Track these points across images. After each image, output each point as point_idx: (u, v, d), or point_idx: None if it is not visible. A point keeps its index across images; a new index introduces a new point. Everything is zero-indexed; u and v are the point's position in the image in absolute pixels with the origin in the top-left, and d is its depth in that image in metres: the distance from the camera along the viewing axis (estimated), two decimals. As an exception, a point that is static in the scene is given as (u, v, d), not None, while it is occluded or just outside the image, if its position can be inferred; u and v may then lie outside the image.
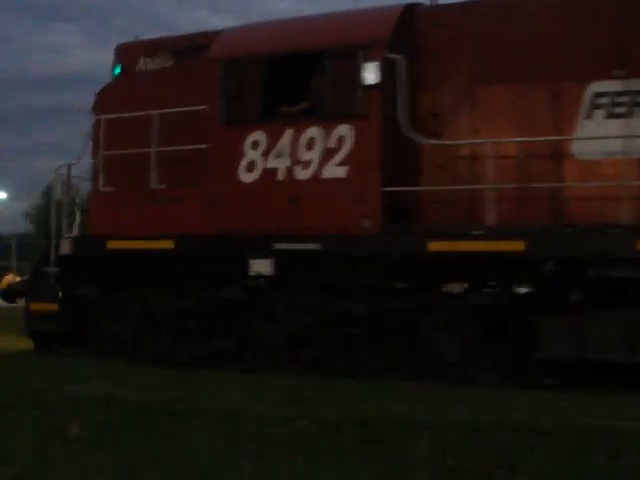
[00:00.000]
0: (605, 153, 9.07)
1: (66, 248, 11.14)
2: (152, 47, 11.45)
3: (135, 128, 10.94)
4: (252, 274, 10.17)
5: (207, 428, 5.93)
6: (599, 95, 9.34)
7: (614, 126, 9.21)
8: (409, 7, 10.20)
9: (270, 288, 10.26)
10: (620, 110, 9.26)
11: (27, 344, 11.79)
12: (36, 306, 11.43)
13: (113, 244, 10.88)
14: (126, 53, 11.59)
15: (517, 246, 9.02)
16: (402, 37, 9.91)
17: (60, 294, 11.25)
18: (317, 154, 9.91)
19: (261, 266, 10.12)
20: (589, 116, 9.37)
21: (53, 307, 11.28)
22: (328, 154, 9.87)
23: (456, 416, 6.41)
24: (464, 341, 9.44)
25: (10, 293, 11.68)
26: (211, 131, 10.42)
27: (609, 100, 9.30)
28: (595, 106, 9.35)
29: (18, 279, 11.76)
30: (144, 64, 11.40)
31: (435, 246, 9.36)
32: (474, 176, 9.46)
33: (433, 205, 9.71)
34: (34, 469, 4.63)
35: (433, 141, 9.59)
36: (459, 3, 10.17)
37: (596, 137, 9.18)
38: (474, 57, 9.86)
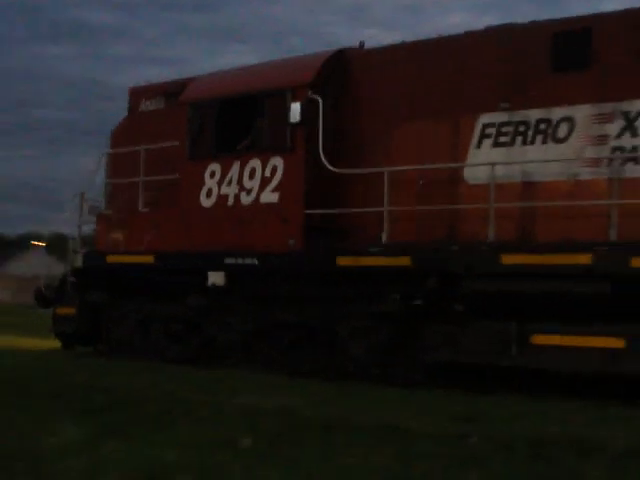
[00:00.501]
0: (488, 178, 10.19)
1: (78, 261, 13.56)
2: (151, 91, 13.65)
3: (130, 161, 13.18)
4: (209, 284, 12.07)
5: (373, 443, 5.93)
6: (487, 126, 10.49)
7: (498, 154, 10.34)
8: (340, 52, 11.74)
9: (223, 297, 12.12)
10: (504, 139, 10.37)
11: (53, 344, 14.27)
12: (61, 310, 13.93)
13: (111, 258, 13.18)
14: (133, 95, 13.86)
15: (404, 261, 10.35)
16: (328, 80, 11.47)
17: (77, 300, 13.65)
18: (257, 183, 11.69)
19: (215, 277, 12.01)
20: (479, 145, 10.53)
21: (72, 310, 13.72)
22: (264, 182, 11.62)
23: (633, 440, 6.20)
24: (371, 345, 10.86)
25: (42, 299, 14.25)
26: (181, 164, 12.46)
27: (495, 130, 10.43)
28: (484, 136, 10.51)
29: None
30: (145, 106, 13.62)
31: (343, 261, 10.86)
32: (379, 199, 10.84)
33: (348, 225, 11.20)
34: (203, 476, 4.76)
35: (344, 170, 11.06)
36: (378, 48, 11.60)
37: (479, 164, 10.32)
38: (390, 96, 11.24)
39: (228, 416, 6.96)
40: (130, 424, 6.41)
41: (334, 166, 11.02)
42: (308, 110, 11.18)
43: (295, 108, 11.21)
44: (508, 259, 9.69)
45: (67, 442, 5.52)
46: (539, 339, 9.47)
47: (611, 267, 9.03)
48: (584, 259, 9.19)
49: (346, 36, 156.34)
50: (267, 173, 11.57)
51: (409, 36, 11.40)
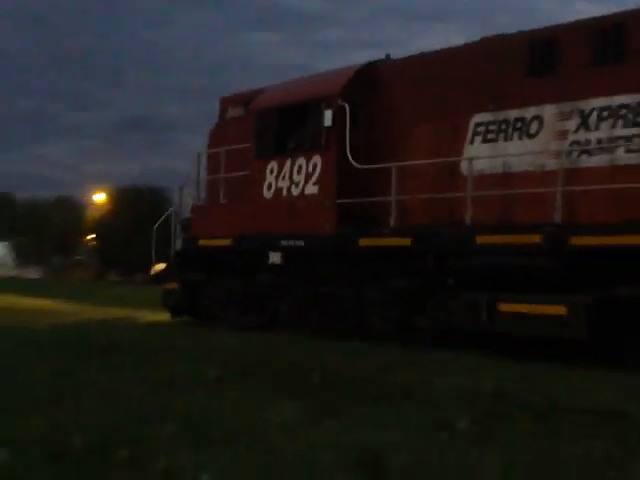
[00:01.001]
0: (478, 170, 12.02)
1: (179, 245, 16.58)
2: (235, 99, 16.36)
3: (217, 160, 15.99)
4: (270, 263, 14.64)
5: (592, 428, 5.79)
6: (478, 125, 12.29)
7: (486, 148, 12.13)
8: (371, 64, 13.87)
9: (283, 274, 14.63)
10: (491, 136, 12.14)
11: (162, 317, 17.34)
12: (167, 286, 17.03)
13: (202, 242, 16.07)
14: (223, 103, 16.64)
15: (406, 242, 12.39)
16: (357, 89, 13.63)
17: (178, 277, 16.68)
18: (302, 177, 14.11)
19: (274, 257, 14.56)
20: (472, 142, 12.35)
21: (175, 286, 16.76)
22: (308, 177, 14.01)
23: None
24: (388, 314, 12.99)
25: (156, 277, 17.42)
26: (250, 162, 15.10)
27: (484, 128, 12.22)
28: (475, 133, 12.32)
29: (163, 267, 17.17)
30: (230, 112, 16.37)
31: (363, 242, 13.06)
32: (389, 190, 12.89)
33: (373, 212, 13.34)
34: (419, 459, 4.69)
35: (365, 166, 13.19)
36: (399, 60, 13.62)
37: (471, 157, 12.14)
38: (408, 102, 13.24)
39: (440, 397, 7.04)
40: (346, 404, 6.60)
41: (362, 163, 13.18)
42: (338, 115, 13.41)
43: (327, 114, 13.50)
44: (481, 239, 11.50)
45: (287, 419, 5.80)
46: (504, 307, 11.22)
47: (555, 245, 10.67)
48: (536, 238, 10.88)
49: (555, 12, 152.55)
50: (310, 169, 13.94)
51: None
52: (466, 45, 12.69)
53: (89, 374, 8.01)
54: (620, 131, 10.59)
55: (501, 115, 11.98)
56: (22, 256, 73.90)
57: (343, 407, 6.44)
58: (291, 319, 14.54)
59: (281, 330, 14.04)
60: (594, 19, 11.23)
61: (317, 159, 13.82)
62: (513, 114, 11.82)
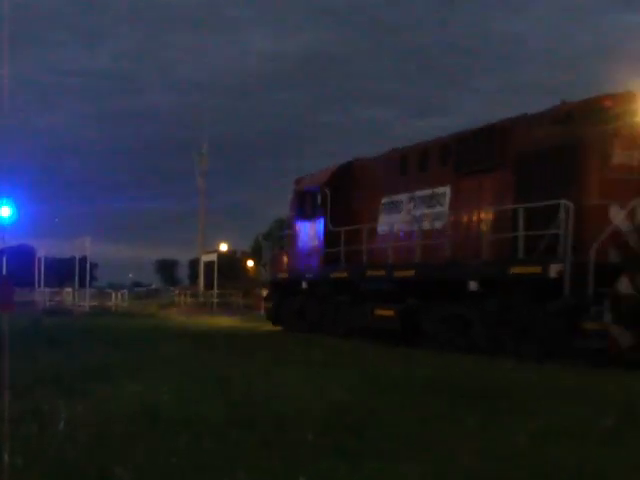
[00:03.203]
0: (384, 230, 20.92)
1: (267, 276, 26.89)
2: (303, 180, 26.22)
3: (287, 223, 26.10)
4: (303, 287, 24.33)
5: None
6: (385, 202, 21.19)
7: (392, 217, 21.03)
8: (350, 163, 23.16)
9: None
10: (394, 207, 21.01)
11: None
12: (267, 304, 27.30)
13: (278, 275, 26.18)
14: (295, 183, 26.50)
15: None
16: (339, 179, 22.94)
17: (270, 298, 26.91)
18: (314, 235, 23.74)
19: (304, 284, 24.27)
20: (383, 212, 21.28)
21: (272, 305, 26.91)
22: (314, 235, 23.63)
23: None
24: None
25: (264, 298, 27.72)
26: (291, 225, 25.02)
27: (389, 204, 21.10)
28: (384, 206, 21.23)
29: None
30: (298, 188, 26.27)
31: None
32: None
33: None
34: None
35: (344, 228, 22.25)
36: (367, 157, 22.66)
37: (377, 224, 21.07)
38: (372, 184, 22.29)
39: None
40: None
41: (338, 226, 22.54)
42: (324, 197, 22.91)
43: (318, 197, 23.06)
44: (369, 272, 20.46)
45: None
46: (378, 312, 20.06)
47: (388, 276, 19.43)
48: (382, 272, 19.69)
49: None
50: (315, 230, 23.52)
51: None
52: (383, 153, 21.58)
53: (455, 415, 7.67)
54: (424, 210, 19.14)
55: (399, 196, 20.73)
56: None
57: None
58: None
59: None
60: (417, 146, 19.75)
61: (319, 222, 23.33)
62: (405, 196, 20.51)
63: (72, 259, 52.55)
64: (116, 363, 12.39)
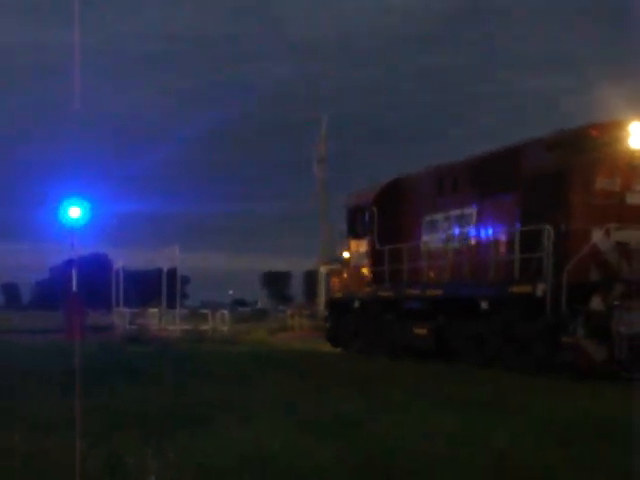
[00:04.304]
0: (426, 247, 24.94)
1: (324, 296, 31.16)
2: (352, 196, 30.40)
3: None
4: (355, 306, 28.49)
5: None
6: (430, 221, 25.17)
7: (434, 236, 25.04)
8: (396, 179, 27.22)
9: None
10: (434, 226, 25.00)
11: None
12: (325, 325, 31.59)
13: (336, 295, 30.45)
14: (347, 198, 30.68)
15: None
16: (385, 197, 27.00)
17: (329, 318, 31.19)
18: (363, 253, 27.92)
19: (357, 303, 28.45)
20: (427, 232, 25.26)
21: (330, 325, 31.17)
22: (363, 254, 27.81)
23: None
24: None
25: (324, 318, 32.00)
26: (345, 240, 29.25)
27: (432, 221, 25.08)
28: (427, 227, 25.22)
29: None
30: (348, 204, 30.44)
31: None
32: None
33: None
34: None
35: (388, 247, 26.32)
36: (411, 174, 26.66)
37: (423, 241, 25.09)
38: (417, 202, 26.29)
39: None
40: None
41: (384, 245, 26.63)
42: (371, 215, 27.04)
43: (366, 215, 27.23)
44: (408, 291, 24.49)
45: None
46: (416, 331, 24.05)
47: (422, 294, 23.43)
48: (416, 292, 23.71)
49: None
50: (365, 246, 27.68)
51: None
52: (424, 170, 25.56)
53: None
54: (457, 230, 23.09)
55: (442, 214, 24.67)
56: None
57: None
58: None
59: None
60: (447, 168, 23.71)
61: (367, 241, 27.49)
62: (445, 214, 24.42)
63: (158, 272, 50.64)
64: (215, 402, 12.07)
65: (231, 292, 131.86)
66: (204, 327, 46.47)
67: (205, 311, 54.65)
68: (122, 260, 50.36)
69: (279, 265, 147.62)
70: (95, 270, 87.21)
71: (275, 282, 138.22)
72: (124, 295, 47.28)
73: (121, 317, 46.80)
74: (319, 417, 10.67)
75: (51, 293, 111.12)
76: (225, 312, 53.06)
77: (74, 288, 36.08)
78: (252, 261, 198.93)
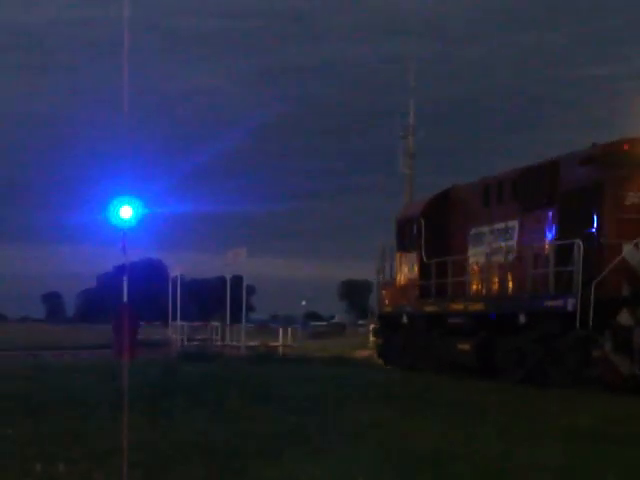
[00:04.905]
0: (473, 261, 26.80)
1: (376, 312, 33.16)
2: (401, 215, 32.33)
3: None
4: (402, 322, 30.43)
5: None
6: (475, 234, 27.03)
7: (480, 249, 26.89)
8: (447, 191, 29.09)
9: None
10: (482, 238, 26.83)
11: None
12: (376, 341, 33.54)
13: (386, 309, 32.46)
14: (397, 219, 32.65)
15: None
16: (434, 209, 28.89)
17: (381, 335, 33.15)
18: (413, 267, 29.86)
19: (405, 319, 30.39)
20: (473, 245, 27.12)
21: (381, 341, 33.12)
22: (412, 267, 29.74)
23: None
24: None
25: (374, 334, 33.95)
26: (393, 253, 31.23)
27: (480, 234, 26.92)
28: (475, 237, 27.07)
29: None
30: (401, 217, 32.42)
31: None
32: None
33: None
34: None
35: (434, 260, 28.22)
36: (460, 185, 28.50)
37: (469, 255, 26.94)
38: (465, 215, 28.12)
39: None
40: None
41: (431, 258, 28.52)
42: (419, 228, 28.95)
43: (415, 226, 29.16)
44: (453, 306, 26.36)
45: None
46: (459, 346, 25.90)
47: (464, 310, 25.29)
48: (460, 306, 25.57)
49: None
50: (413, 260, 29.60)
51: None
52: (483, 180, 27.30)
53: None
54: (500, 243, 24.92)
55: (488, 227, 26.49)
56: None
57: None
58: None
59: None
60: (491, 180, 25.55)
61: (415, 255, 29.40)
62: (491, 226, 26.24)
63: (220, 280, 50.18)
64: (287, 432, 11.69)
65: (304, 303, 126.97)
66: (273, 343, 46.01)
67: (274, 325, 53.94)
68: (179, 267, 49.39)
69: (358, 273, 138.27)
70: (149, 278, 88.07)
71: (355, 292, 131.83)
72: (182, 306, 46.23)
73: (178, 332, 46.21)
74: (407, 451, 10.38)
75: (99, 304, 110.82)
76: (298, 327, 52.72)
77: (125, 298, 36.63)
78: (329, 268, 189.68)
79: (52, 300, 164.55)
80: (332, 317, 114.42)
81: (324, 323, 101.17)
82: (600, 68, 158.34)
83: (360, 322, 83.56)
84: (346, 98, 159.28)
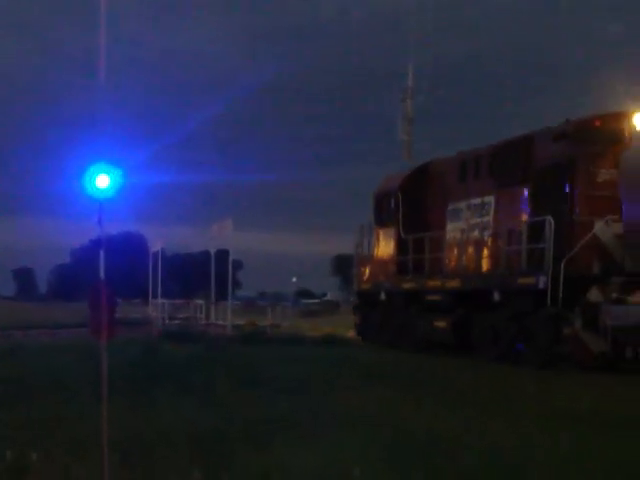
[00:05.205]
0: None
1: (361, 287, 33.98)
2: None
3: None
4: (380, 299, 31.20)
5: None
6: (453, 209, 27.79)
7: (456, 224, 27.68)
8: (426, 164, 29.78)
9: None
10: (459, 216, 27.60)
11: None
12: (355, 318, 34.33)
13: (364, 286, 33.24)
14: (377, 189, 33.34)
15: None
16: (412, 182, 29.57)
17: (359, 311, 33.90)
18: (390, 243, 30.61)
19: (383, 296, 31.17)
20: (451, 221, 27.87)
21: (359, 318, 33.84)
22: (388, 243, 30.49)
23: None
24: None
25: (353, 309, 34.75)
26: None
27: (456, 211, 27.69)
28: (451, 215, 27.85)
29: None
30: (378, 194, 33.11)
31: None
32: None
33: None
34: None
35: (412, 236, 28.93)
36: (439, 159, 29.21)
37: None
38: (442, 190, 28.84)
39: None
40: None
41: (408, 234, 29.27)
42: (396, 202, 29.66)
43: (392, 200, 29.87)
44: (430, 283, 27.15)
45: None
46: (436, 323, 26.70)
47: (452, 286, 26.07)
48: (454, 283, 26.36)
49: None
50: (390, 235, 30.35)
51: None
52: (452, 156, 28.03)
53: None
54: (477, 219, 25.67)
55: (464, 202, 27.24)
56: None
57: None
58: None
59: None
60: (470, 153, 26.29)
61: (393, 230, 30.13)
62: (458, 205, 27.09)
63: (204, 255, 48.88)
64: (277, 418, 11.51)
65: (295, 280, 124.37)
66: (262, 322, 45.12)
67: (263, 303, 53.34)
68: (160, 241, 48.31)
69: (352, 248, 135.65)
70: (127, 252, 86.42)
71: (347, 268, 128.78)
72: (163, 283, 45.24)
73: (159, 310, 44.95)
74: (404, 433, 10.40)
75: (73, 280, 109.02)
76: (289, 305, 51.69)
77: (101, 274, 37.69)
78: (320, 243, 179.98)
79: (23, 276, 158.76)
80: (324, 294, 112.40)
81: (316, 301, 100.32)
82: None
83: (354, 299, 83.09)
84: (336, 59, 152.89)
